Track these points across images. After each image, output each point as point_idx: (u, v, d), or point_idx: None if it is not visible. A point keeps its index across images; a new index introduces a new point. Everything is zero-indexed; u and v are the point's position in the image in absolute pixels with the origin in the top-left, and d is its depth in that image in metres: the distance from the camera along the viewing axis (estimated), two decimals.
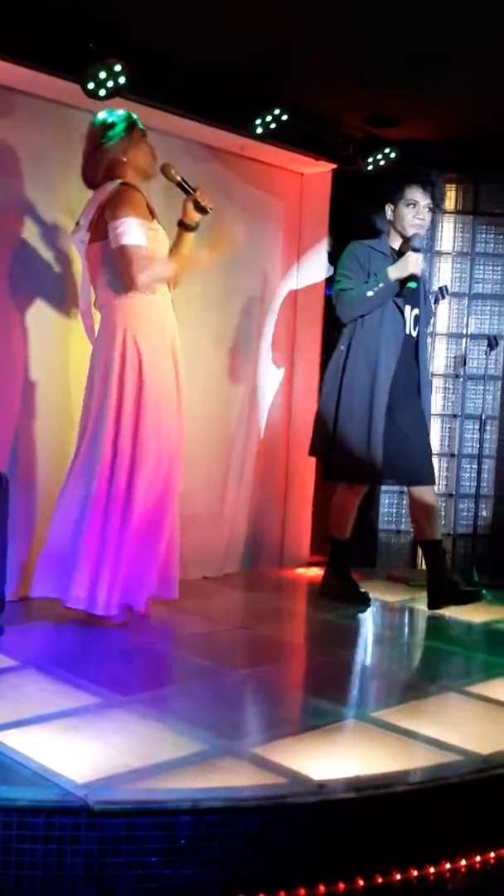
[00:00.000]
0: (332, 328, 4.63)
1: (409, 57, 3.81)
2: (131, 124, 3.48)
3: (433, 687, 3.03)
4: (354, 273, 3.89)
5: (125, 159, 3.45)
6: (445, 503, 5.20)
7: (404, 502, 5.13)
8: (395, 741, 2.49)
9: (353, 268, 3.89)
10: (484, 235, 5.13)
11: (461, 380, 5.13)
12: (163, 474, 3.41)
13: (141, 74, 3.66)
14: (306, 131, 4.48)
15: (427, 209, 3.92)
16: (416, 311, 3.95)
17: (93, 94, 3.60)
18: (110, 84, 3.57)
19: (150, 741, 2.39)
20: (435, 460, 5.19)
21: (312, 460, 4.95)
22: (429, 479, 3.97)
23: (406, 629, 3.94)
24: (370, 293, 3.82)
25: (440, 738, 2.50)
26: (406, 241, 3.91)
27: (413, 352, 3.95)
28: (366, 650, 3.51)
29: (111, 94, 3.61)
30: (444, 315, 5.14)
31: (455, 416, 5.19)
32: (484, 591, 3.87)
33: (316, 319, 4.96)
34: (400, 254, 3.91)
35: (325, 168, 4.81)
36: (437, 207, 4.02)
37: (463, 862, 2.23)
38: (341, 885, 2.09)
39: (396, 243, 3.98)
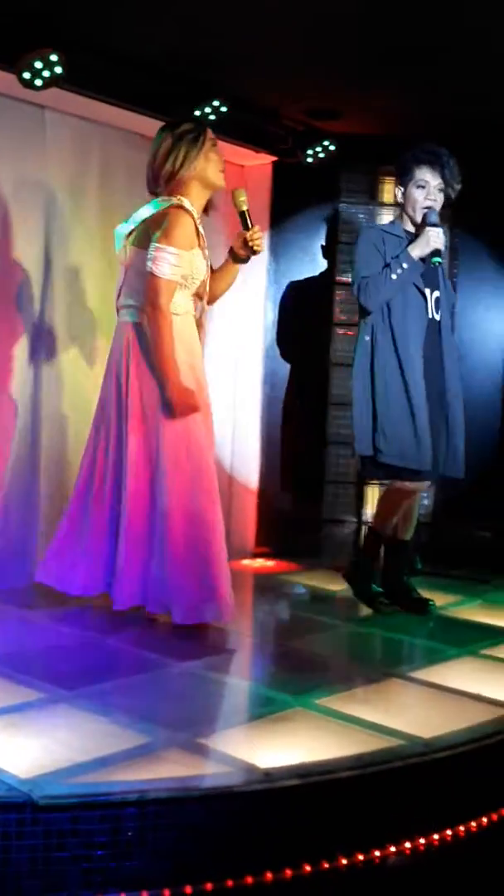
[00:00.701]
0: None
1: (349, 51, 3.84)
2: (201, 133, 3.40)
3: (377, 674, 3.06)
4: (374, 258, 3.69)
5: (192, 171, 3.38)
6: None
7: (349, 492, 5.20)
8: (339, 728, 2.52)
9: (372, 253, 3.70)
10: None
11: None
12: (186, 488, 3.36)
13: (78, 64, 3.63)
14: (246, 123, 4.48)
15: (438, 190, 3.68)
16: (436, 293, 3.76)
17: (29, 84, 3.57)
18: (46, 74, 3.55)
19: (94, 735, 2.38)
20: None
21: (257, 451, 4.98)
22: (436, 476, 3.83)
23: (350, 617, 3.96)
24: (394, 276, 3.61)
25: (384, 723, 2.53)
26: (420, 224, 3.68)
27: (438, 337, 3.75)
28: (310, 639, 3.53)
29: (48, 84, 3.58)
30: None
31: None
32: (431, 604, 3.80)
33: (258, 312, 4.97)
34: (415, 236, 3.69)
35: (266, 160, 4.82)
36: (450, 188, 3.69)
37: (408, 844, 2.26)
38: (288, 872, 2.10)
39: (408, 225, 3.78)
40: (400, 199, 3.78)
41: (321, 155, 4.73)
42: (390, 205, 5.21)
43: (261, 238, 3.53)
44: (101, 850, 1.95)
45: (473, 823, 2.38)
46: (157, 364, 3.31)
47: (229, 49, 3.84)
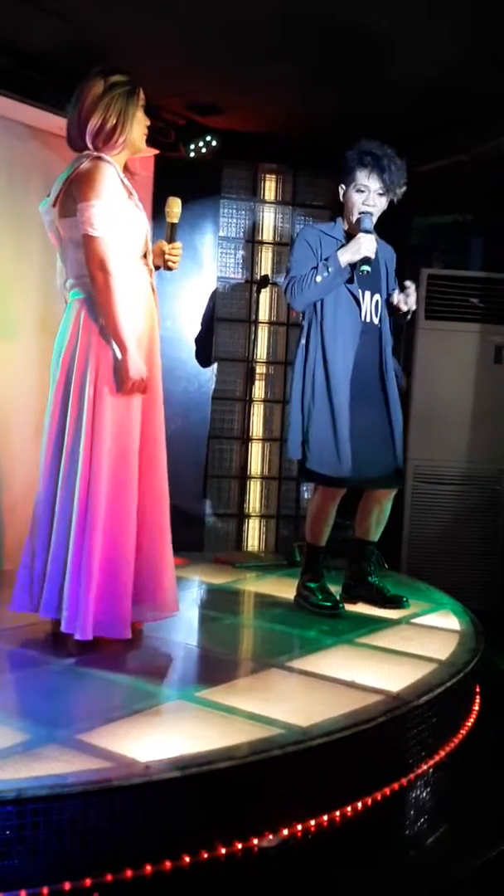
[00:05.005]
0: None
1: (232, 46, 3.87)
2: (133, 90, 3.08)
3: (256, 664, 3.11)
4: (305, 259, 3.58)
5: (129, 134, 3.07)
6: (268, 486, 5.35)
7: (232, 487, 5.24)
8: (219, 719, 2.55)
9: (305, 253, 3.60)
10: (302, 225, 5.28)
11: (283, 367, 5.28)
12: (128, 479, 3.07)
13: None
14: None
15: (378, 194, 3.55)
16: (377, 296, 3.66)
17: None
18: None
19: None
20: (258, 446, 5.37)
21: None
22: (388, 485, 3.77)
23: (231, 610, 4.00)
24: (319, 278, 3.50)
25: (263, 713, 2.58)
26: (354, 228, 3.57)
27: (377, 342, 3.67)
28: (191, 632, 3.55)
29: None
30: (265, 304, 5.27)
31: (278, 401, 5.33)
32: (405, 599, 3.80)
33: None
34: (349, 240, 3.56)
35: (148, 153, 4.79)
36: (391, 192, 3.56)
37: (285, 832, 2.31)
38: (168, 864, 2.12)
39: (349, 227, 3.64)
40: (341, 198, 3.65)
41: (203, 150, 4.75)
42: (271, 202, 5.30)
43: (179, 256, 3.30)
44: None
45: (349, 808, 2.45)
46: (112, 333, 2.97)
47: (109, 40, 3.81)
